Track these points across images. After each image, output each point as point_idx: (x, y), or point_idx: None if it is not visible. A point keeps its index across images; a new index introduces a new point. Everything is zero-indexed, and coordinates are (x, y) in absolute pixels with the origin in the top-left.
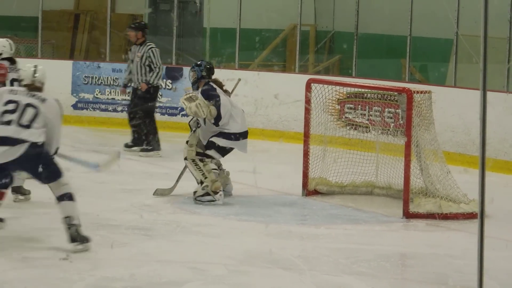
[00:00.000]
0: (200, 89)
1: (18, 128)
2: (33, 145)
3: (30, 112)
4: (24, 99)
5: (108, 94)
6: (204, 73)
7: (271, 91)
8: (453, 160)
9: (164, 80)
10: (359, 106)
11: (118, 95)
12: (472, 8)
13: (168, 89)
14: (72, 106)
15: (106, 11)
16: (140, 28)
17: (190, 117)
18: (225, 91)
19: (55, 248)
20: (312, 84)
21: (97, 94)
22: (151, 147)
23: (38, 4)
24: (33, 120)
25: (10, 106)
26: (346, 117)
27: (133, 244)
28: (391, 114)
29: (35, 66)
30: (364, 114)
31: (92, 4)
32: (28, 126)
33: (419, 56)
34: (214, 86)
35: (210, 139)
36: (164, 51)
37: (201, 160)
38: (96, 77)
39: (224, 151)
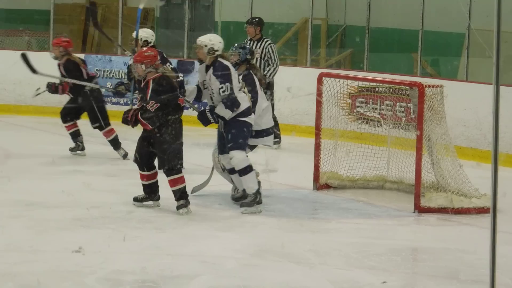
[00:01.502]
0: (240, 73)
1: None
2: None
3: None
4: None
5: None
6: (248, 57)
7: (283, 85)
8: (465, 154)
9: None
10: (371, 100)
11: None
12: (485, 1)
13: None
14: None
15: (118, 4)
16: (259, 23)
17: None
18: (260, 81)
19: (66, 241)
20: (323, 78)
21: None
22: (278, 140)
23: None
24: None
25: None
26: (357, 111)
27: (144, 238)
28: (403, 108)
29: None
30: (376, 108)
31: None
32: None
33: (431, 50)
34: (254, 77)
35: None
36: (176, 45)
37: None
38: (107, 71)
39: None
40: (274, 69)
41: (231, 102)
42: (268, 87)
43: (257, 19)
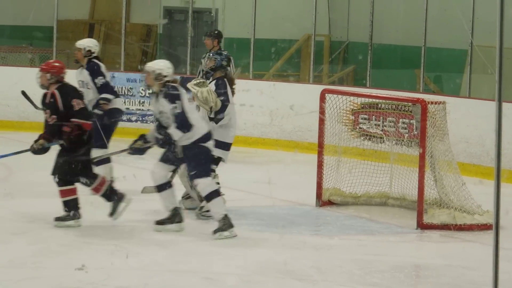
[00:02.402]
0: (214, 79)
1: None
2: None
3: None
4: None
5: (122, 104)
6: (224, 63)
7: (286, 102)
8: (467, 171)
9: None
10: (373, 116)
11: (132, 105)
12: (487, 18)
13: None
14: None
15: (121, 21)
16: (216, 36)
17: None
18: (233, 90)
19: (69, 257)
20: (326, 94)
21: None
22: None
23: (53, 14)
24: None
25: None
26: (360, 128)
27: (146, 254)
28: (405, 125)
29: None
30: (378, 125)
31: (107, 14)
32: None
33: (434, 66)
34: (227, 83)
35: None
36: (179, 61)
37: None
38: None
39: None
40: None
41: (181, 122)
42: None
43: (216, 32)
